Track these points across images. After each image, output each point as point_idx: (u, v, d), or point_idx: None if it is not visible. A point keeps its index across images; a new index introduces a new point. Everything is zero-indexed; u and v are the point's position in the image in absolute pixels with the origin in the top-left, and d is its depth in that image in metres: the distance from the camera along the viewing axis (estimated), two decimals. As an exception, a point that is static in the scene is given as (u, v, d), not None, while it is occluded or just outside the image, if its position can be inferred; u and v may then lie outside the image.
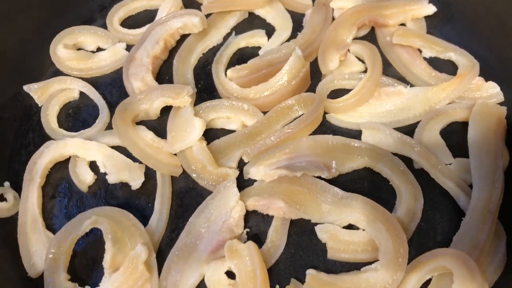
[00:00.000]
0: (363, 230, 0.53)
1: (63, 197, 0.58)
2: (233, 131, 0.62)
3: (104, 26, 0.73)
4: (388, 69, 0.67)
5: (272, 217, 0.55)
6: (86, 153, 0.59)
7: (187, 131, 0.58)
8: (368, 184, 0.58)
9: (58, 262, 0.51)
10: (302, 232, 0.55)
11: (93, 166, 0.60)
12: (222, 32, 0.73)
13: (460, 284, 0.46)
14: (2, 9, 0.62)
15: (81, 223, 0.52)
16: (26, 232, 0.54)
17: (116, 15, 0.74)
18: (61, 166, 0.60)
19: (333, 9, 0.72)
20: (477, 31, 0.67)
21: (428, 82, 0.65)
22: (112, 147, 0.60)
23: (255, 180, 0.58)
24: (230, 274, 0.50)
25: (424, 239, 0.54)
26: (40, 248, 0.53)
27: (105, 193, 0.58)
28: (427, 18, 0.72)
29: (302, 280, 0.51)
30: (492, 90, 0.63)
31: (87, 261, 0.54)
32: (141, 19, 0.75)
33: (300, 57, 0.63)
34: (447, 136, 0.61)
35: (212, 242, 0.52)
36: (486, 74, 0.64)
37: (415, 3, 0.70)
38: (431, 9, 0.70)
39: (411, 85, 0.64)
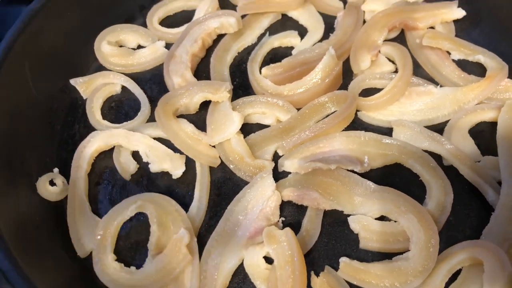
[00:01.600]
0: (395, 221, 0.55)
1: (107, 184, 0.62)
2: (268, 126, 0.65)
3: (144, 24, 0.76)
4: (418, 71, 0.69)
5: (306, 207, 0.58)
6: (130, 143, 0.62)
7: (226, 124, 0.61)
8: (399, 179, 0.60)
9: (105, 244, 0.54)
10: (335, 222, 0.57)
11: (135, 156, 0.63)
12: (257, 33, 0.76)
13: (490, 274, 0.48)
14: (52, 8, 0.65)
15: (127, 208, 0.56)
16: (75, 215, 0.57)
17: (156, 14, 0.77)
18: (106, 156, 0.63)
19: (364, 12, 0.74)
20: (505, 34, 0.69)
21: (457, 83, 0.67)
22: (154, 138, 0.63)
23: (289, 173, 0.60)
24: (268, 260, 0.53)
25: (454, 232, 0.55)
26: (88, 230, 0.56)
27: (147, 181, 0.61)
28: (456, 21, 0.73)
29: (335, 268, 0.53)
30: None
31: (131, 244, 0.57)
32: (179, 19, 0.78)
33: (333, 56, 0.65)
34: (476, 135, 0.62)
35: (250, 229, 0.55)
36: None
37: (445, 7, 0.72)
38: (460, 13, 0.72)
39: (441, 86, 0.67)
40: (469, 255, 0.51)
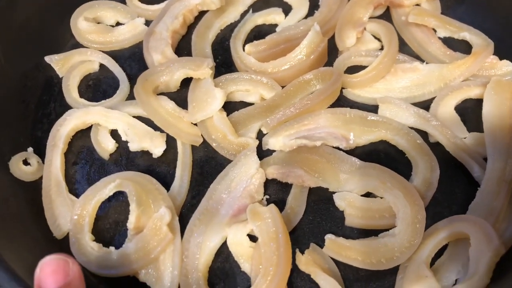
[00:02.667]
0: (381, 198, 0.54)
1: (85, 164, 0.60)
2: (252, 103, 0.64)
3: (122, 1, 0.74)
4: (404, 48, 0.69)
5: (291, 185, 0.57)
6: (108, 121, 0.60)
7: (208, 101, 0.60)
8: (384, 156, 0.59)
9: (82, 224, 0.53)
10: (320, 200, 0.56)
11: (114, 134, 0.61)
12: (240, 10, 0.74)
13: (477, 248, 0.48)
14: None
15: (106, 186, 0.54)
16: (50, 195, 0.55)
17: (135, -11, 0.75)
18: (83, 135, 0.62)
19: (349, -12, 0.74)
20: (490, 12, 0.69)
21: (443, 61, 0.66)
22: (133, 116, 0.61)
23: (273, 151, 0.59)
24: (252, 238, 0.52)
25: (440, 208, 0.55)
26: (64, 210, 0.54)
27: (126, 160, 0.60)
28: None
29: (321, 245, 0.52)
30: (506, 68, 0.64)
31: (109, 224, 0.55)
32: None
33: (318, 32, 0.64)
34: (462, 112, 0.62)
35: (233, 207, 0.53)
36: (500, 53, 0.65)
37: None
38: None
39: (427, 63, 0.66)
40: (456, 230, 0.50)
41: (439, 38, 0.70)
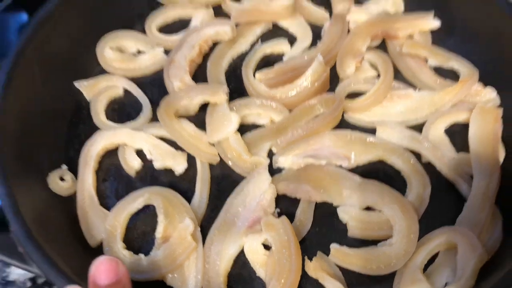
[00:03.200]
0: (379, 211, 0.61)
1: (113, 181, 0.65)
2: (263, 126, 0.70)
3: (143, 31, 0.80)
4: (398, 76, 0.75)
5: (299, 200, 0.63)
6: (134, 142, 0.66)
7: (224, 124, 0.66)
8: (382, 174, 0.65)
9: (115, 234, 0.58)
10: (325, 213, 0.62)
11: (140, 153, 0.66)
12: (250, 40, 0.80)
13: (463, 255, 0.54)
14: (58, 16, 0.69)
15: (136, 200, 0.60)
16: (84, 208, 0.61)
17: (154, 22, 0.81)
18: (111, 154, 0.67)
19: (349, 22, 0.80)
20: (476, 43, 0.75)
21: (434, 88, 0.72)
22: (157, 137, 0.67)
23: (283, 168, 0.65)
24: (265, 246, 0.58)
25: (431, 220, 0.61)
26: (97, 221, 0.60)
27: (151, 177, 0.65)
28: (432, 31, 0.79)
29: (326, 253, 0.58)
30: (490, 95, 0.70)
31: (137, 234, 0.60)
32: (176, 26, 0.82)
33: (321, 63, 0.71)
34: (451, 135, 0.68)
35: (249, 219, 0.59)
36: (485, 80, 0.71)
37: (422, 18, 0.78)
38: (436, 24, 0.78)
39: (419, 90, 0.73)
40: (445, 239, 0.57)
41: (430, 67, 0.76)
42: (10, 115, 0.58)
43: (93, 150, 0.65)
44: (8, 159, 0.55)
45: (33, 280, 0.60)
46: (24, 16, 0.89)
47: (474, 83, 0.71)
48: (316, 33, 0.81)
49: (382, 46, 0.79)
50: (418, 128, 0.69)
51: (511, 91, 0.69)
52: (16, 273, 0.60)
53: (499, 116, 0.67)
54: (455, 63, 0.75)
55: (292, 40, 0.80)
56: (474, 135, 0.66)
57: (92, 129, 0.69)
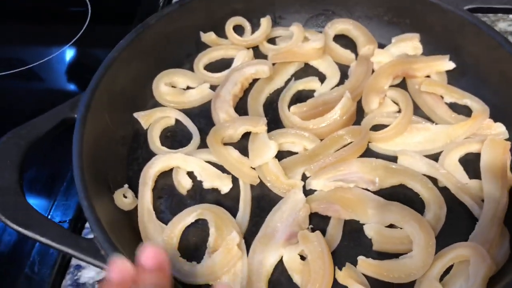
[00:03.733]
0: (401, 228, 0.69)
1: (167, 198, 0.75)
2: (297, 153, 0.79)
3: (191, 69, 0.92)
4: (417, 111, 0.83)
5: (330, 218, 0.71)
6: (186, 165, 0.76)
7: (265, 151, 0.75)
8: (403, 197, 0.73)
9: (171, 243, 0.67)
10: (353, 229, 0.70)
11: (190, 175, 0.76)
12: (284, 78, 0.91)
13: (475, 266, 0.61)
14: (123, 58, 0.80)
15: (189, 214, 0.69)
16: (144, 222, 0.70)
17: (201, 61, 0.92)
18: (165, 175, 0.77)
19: (373, 63, 0.90)
20: (487, 83, 0.83)
21: (449, 122, 0.81)
22: (205, 161, 0.77)
23: (315, 190, 0.74)
24: (301, 257, 0.66)
25: (447, 238, 0.68)
26: (155, 233, 0.69)
27: (200, 196, 0.75)
28: (448, 71, 0.88)
29: (354, 264, 0.66)
30: (499, 129, 0.78)
31: (189, 245, 0.69)
32: (219, 65, 0.93)
33: (349, 99, 0.81)
34: (464, 163, 0.76)
35: (286, 232, 0.68)
36: (495, 116, 0.79)
37: (438, 60, 0.87)
38: (451, 65, 0.87)
39: (436, 123, 0.82)
40: (459, 253, 0.64)
41: (446, 103, 0.84)
42: (87, 142, 0.68)
43: (151, 172, 0.75)
44: (87, 179, 0.65)
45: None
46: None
47: (485, 118, 0.80)
48: (344, 72, 0.91)
49: (403, 84, 0.89)
50: (435, 157, 0.77)
51: (519, 126, 0.78)
52: (86, 276, 0.69)
53: (508, 148, 0.75)
54: (468, 100, 0.84)
55: (322, 78, 0.90)
56: (485, 164, 0.75)
57: (149, 154, 0.79)
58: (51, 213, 0.77)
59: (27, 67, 1.06)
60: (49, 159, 0.86)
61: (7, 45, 1.16)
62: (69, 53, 1.10)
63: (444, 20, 0.88)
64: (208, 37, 0.95)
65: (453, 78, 0.89)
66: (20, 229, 0.57)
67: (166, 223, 0.71)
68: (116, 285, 0.46)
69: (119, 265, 0.47)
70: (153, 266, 0.49)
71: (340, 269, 0.66)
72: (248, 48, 0.94)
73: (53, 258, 0.70)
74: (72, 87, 1.05)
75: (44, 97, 1.02)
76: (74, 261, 0.71)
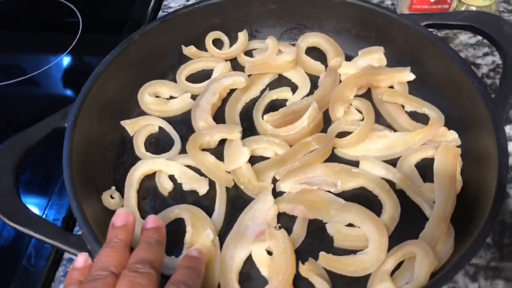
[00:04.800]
0: (358, 227, 0.77)
1: (151, 199, 0.82)
2: (268, 157, 0.86)
3: (174, 80, 0.99)
4: (379, 119, 0.91)
5: (296, 217, 0.78)
6: (168, 169, 0.83)
7: (239, 156, 0.82)
8: (363, 198, 0.80)
9: (153, 240, 0.76)
10: (316, 228, 0.77)
11: (172, 178, 0.83)
12: (260, 88, 0.97)
13: (419, 261, 0.68)
14: (110, 70, 0.87)
15: (169, 214, 0.76)
16: (129, 220, 0.78)
17: (183, 72, 0.99)
18: (149, 178, 0.84)
19: (340, 74, 0.98)
20: (442, 94, 0.90)
21: (408, 129, 0.88)
22: (185, 165, 0.85)
23: (284, 192, 0.81)
24: (269, 252, 0.74)
25: (401, 236, 0.75)
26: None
27: (180, 197, 0.82)
28: (409, 82, 0.95)
29: (316, 259, 0.73)
30: (452, 136, 0.85)
31: (170, 241, 0.74)
32: (200, 76, 1.00)
33: (316, 108, 0.88)
34: (420, 167, 0.83)
35: (256, 230, 0.75)
36: (449, 124, 0.87)
37: (400, 72, 0.94)
38: (412, 76, 0.94)
39: (395, 131, 0.89)
40: (408, 250, 0.71)
41: (406, 111, 0.91)
42: (77, 148, 0.75)
43: (135, 175, 0.83)
44: (76, 181, 0.71)
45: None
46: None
47: (441, 126, 0.87)
48: (314, 82, 0.98)
49: (368, 94, 0.97)
50: (394, 161, 0.85)
51: (468, 134, 0.85)
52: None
53: (458, 153, 0.83)
54: (426, 109, 0.91)
55: (294, 88, 0.98)
56: (437, 168, 0.82)
57: (134, 158, 0.87)
58: (46, 212, 0.85)
59: (28, 76, 1.15)
60: (44, 163, 0.94)
61: (6, 53, 1.23)
62: (66, 61, 1.18)
63: (404, 35, 0.96)
64: (189, 50, 1.02)
65: (413, 88, 0.96)
66: (16, 226, 0.65)
67: (149, 222, 0.78)
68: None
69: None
70: (121, 225, 0.65)
71: (303, 263, 0.73)
72: (226, 60, 1.02)
73: (48, 252, 0.77)
74: (69, 93, 1.13)
75: (45, 104, 1.10)
76: (66, 255, 0.79)
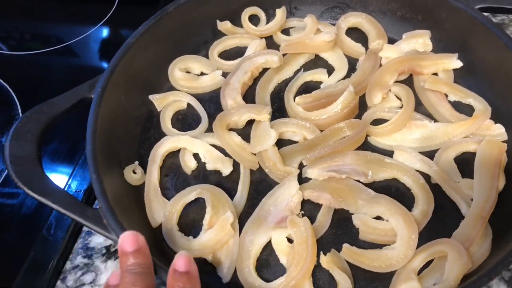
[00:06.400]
0: (387, 220, 0.73)
1: (173, 176, 0.81)
2: (297, 142, 0.83)
3: (206, 56, 0.96)
4: (419, 108, 0.86)
5: (321, 205, 0.75)
6: (192, 147, 0.82)
7: (265, 138, 0.80)
8: (394, 190, 0.76)
9: (172, 218, 0.73)
10: (341, 218, 0.74)
11: (196, 156, 0.82)
12: (294, 68, 0.94)
13: (451, 262, 0.64)
14: (142, 42, 0.86)
15: (190, 193, 0.75)
16: (149, 197, 0.76)
17: (216, 48, 0.97)
18: (173, 155, 0.82)
19: (381, 58, 0.93)
20: (491, 84, 0.84)
21: (449, 120, 0.83)
22: (210, 144, 0.83)
23: (310, 179, 0.78)
24: (289, 240, 0.71)
25: (432, 233, 0.71)
26: (159, 208, 0.75)
27: (203, 176, 0.80)
28: (456, 70, 0.89)
29: (339, 251, 0.70)
30: (498, 130, 0.80)
31: (189, 221, 0.75)
32: (233, 53, 0.97)
33: (351, 93, 0.84)
34: (460, 162, 0.78)
35: (277, 216, 0.73)
36: (496, 117, 0.81)
37: (446, 58, 0.89)
38: (459, 64, 0.88)
39: (436, 121, 0.83)
40: (438, 249, 0.67)
41: (450, 101, 0.86)
42: (102, 120, 0.74)
43: (159, 151, 0.81)
44: (99, 154, 0.71)
45: (107, 248, 0.77)
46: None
47: (486, 118, 0.81)
48: (353, 65, 0.93)
49: (409, 80, 0.91)
50: (431, 154, 0.80)
51: (518, 129, 0.79)
52: (95, 241, 0.77)
53: (504, 149, 0.77)
54: (472, 99, 0.85)
55: (330, 70, 0.93)
56: (478, 163, 0.76)
57: (160, 134, 0.85)
58: (69, 182, 0.85)
59: (64, 44, 1.16)
60: (72, 133, 0.94)
61: (46, 22, 1.25)
62: (101, 32, 1.19)
63: (454, 18, 0.89)
64: (224, 25, 0.99)
65: (460, 76, 0.90)
66: (34, 195, 0.64)
67: (170, 199, 0.77)
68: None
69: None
70: (133, 250, 0.55)
71: (325, 254, 0.70)
72: (262, 38, 0.98)
73: (68, 223, 0.78)
74: (104, 64, 1.14)
75: (80, 73, 1.11)
76: (85, 228, 0.79)
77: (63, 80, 1.08)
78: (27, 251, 0.74)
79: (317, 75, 0.92)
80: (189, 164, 0.81)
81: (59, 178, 0.86)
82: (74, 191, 0.82)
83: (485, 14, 0.86)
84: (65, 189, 0.83)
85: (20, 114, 0.96)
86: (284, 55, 0.94)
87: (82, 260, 0.75)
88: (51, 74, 1.11)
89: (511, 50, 0.81)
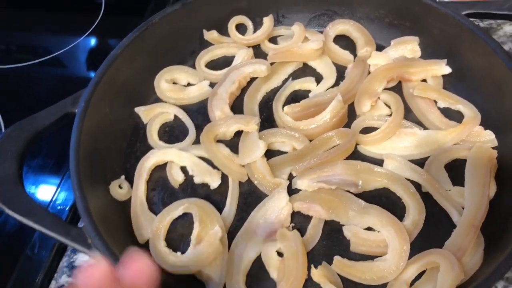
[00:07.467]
0: (378, 231, 0.72)
1: (160, 191, 0.79)
2: (286, 152, 0.82)
3: (193, 66, 0.95)
4: (409, 115, 0.85)
5: (311, 217, 0.74)
6: (180, 160, 0.80)
7: (253, 149, 0.78)
8: (385, 200, 0.75)
9: (159, 234, 0.72)
10: (332, 229, 0.72)
11: (183, 169, 0.80)
12: (282, 77, 0.93)
13: (443, 273, 0.63)
14: (127, 53, 0.84)
15: (177, 208, 0.73)
16: (137, 212, 0.75)
17: (203, 58, 0.96)
18: (160, 168, 0.81)
19: (369, 65, 0.92)
20: (481, 90, 0.84)
21: (439, 127, 0.82)
22: (198, 157, 0.81)
23: (299, 190, 0.76)
24: (279, 254, 0.70)
25: (424, 243, 0.70)
26: (146, 223, 0.73)
27: (191, 190, 0.79)
28: (444, 76, 0.88)
29: (330, 264, 0.69)
30: (488, 137, 0.79)
31: (176, 236, 0.73)
32: (221, 63, 0.96)
33: (340, 101, 0.83)
34: (450, 169, 0.77)
35: (267, 229, 0.71)
36: (485, 124, 0.80)
37: (435, 64, 0.88)
38: (447, 70, 0.88)
39: (425, 128, 0.82)
40: (430, 259, 0.66)
41: (439, 108, 0.85)
42: (85, 135, 0.73)
43: (146, 165, 0.80)
44: (83, 170, 0.69)
45: (93, 266, 0.75)
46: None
47: (476, 125, 0.80)
48: (340, 73, 0.92)
49: (398, 87, 0.90)
50: (421, 162, 0.79)
51: (507, 135, 0.78)
52: (81, 259, 0.75)
53: (494, 156, 0.76)
54: (461, 106, 0.84)
55: (318, 78, 0.92)
56: (469, 170, 0.75)
57: (146, 147, 0.84)
58: (55, 198, 0.83)
59: (51, 56, 1.14)
60: (57, 147, 0.92)
61: (32, 33, 1.24)
62: (87, 43, 1.18)
63: (442, 24, 0.89)
64: (211, 35, 0.98)
65: (449, 82, 0.90)
66: (15, 215, 0.63)
67: (157, 214, 0.75)
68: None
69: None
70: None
71: (316, 267, 0.69)
72: (249, 47, 0.97)
73: (52, 242, 0.76)
74: (91, 74, 1.11)
75: (67, 84, 1.10)
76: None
77: (51, 91, 1.07)
78: (10, 271, 0.72)
79: (306, 83, 0.91)
80: (176, 178, 0.80)
81: (45, 193, 0.85)
82: (59, 207, 0.81)
83: (473, 19, 0.85)
84: (51, 205, 0.81)
85: (3, 130, 0.94)
86: (272, 64, 0.93)
87: (67, 279, 0.74)
88: (38, 85, 1.09)
89: (499, 56, 0.80)
